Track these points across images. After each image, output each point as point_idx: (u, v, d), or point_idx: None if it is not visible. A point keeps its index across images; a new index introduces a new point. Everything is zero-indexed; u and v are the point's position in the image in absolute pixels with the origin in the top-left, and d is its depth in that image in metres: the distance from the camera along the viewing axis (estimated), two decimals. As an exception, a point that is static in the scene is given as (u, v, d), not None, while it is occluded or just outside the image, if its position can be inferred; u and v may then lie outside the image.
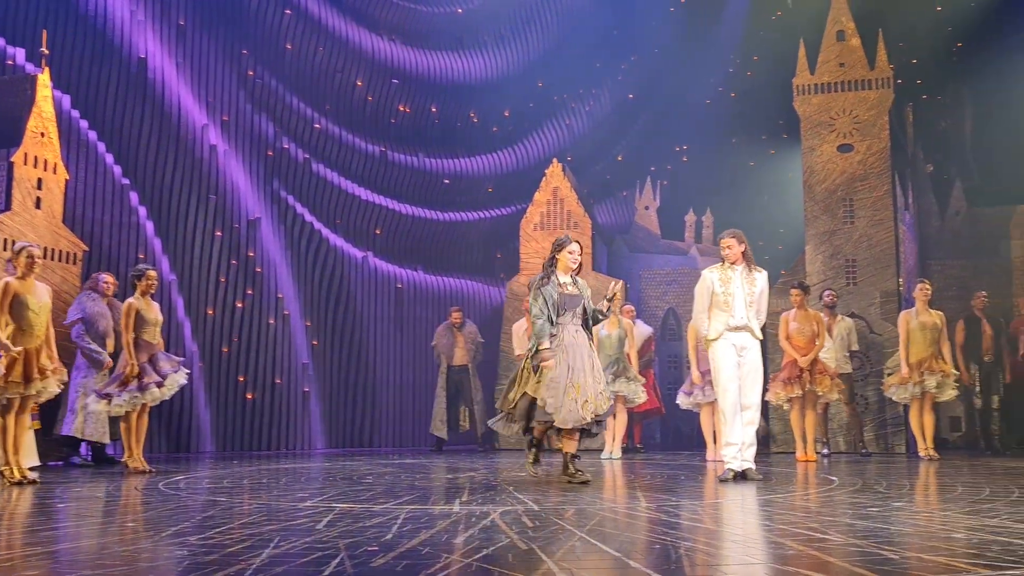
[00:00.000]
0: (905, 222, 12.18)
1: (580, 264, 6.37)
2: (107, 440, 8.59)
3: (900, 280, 11.39)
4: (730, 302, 6.51)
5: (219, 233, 11.66)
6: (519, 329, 11.28)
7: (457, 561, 3.01)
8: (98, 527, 4.27)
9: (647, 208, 15.78)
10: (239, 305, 11.75)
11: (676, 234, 15.58)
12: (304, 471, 7.76)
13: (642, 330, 10.79)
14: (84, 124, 10.65)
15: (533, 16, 15.59)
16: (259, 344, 11.87)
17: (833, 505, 4.77)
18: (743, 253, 6.61)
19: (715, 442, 9.04)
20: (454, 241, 14.52)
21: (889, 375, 9.62)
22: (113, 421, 8.16)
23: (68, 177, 9.78)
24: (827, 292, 10.32)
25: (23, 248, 6.45)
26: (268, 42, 12.70)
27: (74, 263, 9.53)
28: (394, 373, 13.33)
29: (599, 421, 6.17)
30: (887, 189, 11.45)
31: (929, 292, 9.29)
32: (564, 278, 6.30)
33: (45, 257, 8.96)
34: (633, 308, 10.43)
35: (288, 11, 12.76)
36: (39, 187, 9.28)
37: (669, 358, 13.77)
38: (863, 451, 10.04)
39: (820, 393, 9.07)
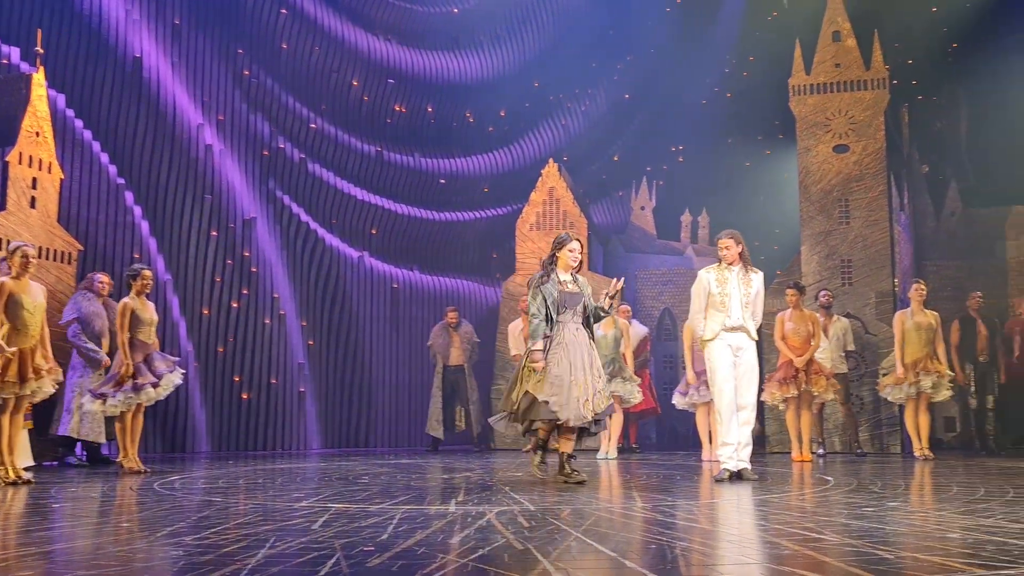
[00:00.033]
0: (900, 223, 12.20)
1: (581, 262, 6.36)
2: (103, 440, 8.57)
3: (895, 280, 11.41)
4: (726, 303, 6.52)
5: (215, 233, 11.65)
6: (515, 329, 11.28)
7: (453, 561, 3.01)
8: (93, 527, 4.26)
9: (643, 208, 15.79)
10: (235, 305, 11.73)
11: (672, 234, 15.60)
12: (300, 471, 7.75)
13: (638, 330, 10.79)
14: (79, 123, 10.62)
15: (529, 16, 15.59)
16: (255, 344, 11.86)
17: (829, 505, 4.78)
18: (740, 254, 6.61)
19: (711, 442, 9.05)
20: (450, 241, 14.52)
21: (884, 375, 9.63)
22: (108, 421, 8.14)
23: (63, 176, 9.76)
24: (823, 292, 10.33)
25: (18, 248, 6.43)
26: (264, 42, 12.69)
27: (69, 263, 9.51)
28: (390, 373, 13.32)
29: (598, 420, 6.14)
30: (883, 190, 11.47)
31: (924, 292, 9.31)
32: (564, 276, 6.28)
33: (40, 257, 8.94)
34: (629, 308, 10.43)
35: (284, 11, 12.75)
36: (34, 187, 9.25)
37: (665, 358, 13.77)
38: (858, 451, 10.05)
39: (816, 393, 9.09)
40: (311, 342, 12.55)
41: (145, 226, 11.07)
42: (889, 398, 9.43)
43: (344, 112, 13.50)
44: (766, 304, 7.08)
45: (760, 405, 8.57)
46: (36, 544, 3.54)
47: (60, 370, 6.71)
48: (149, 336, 7.50)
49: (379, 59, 13.79)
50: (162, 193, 11.35)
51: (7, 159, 9.00)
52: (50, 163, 9.48)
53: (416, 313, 13.63)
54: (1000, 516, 4.11)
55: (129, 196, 10.96)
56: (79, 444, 8.75)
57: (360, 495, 5.33)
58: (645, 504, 4.87)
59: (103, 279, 8.80)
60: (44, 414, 8.39)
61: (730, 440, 6.44)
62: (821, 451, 9.79)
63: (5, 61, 10.12)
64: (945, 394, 9.21)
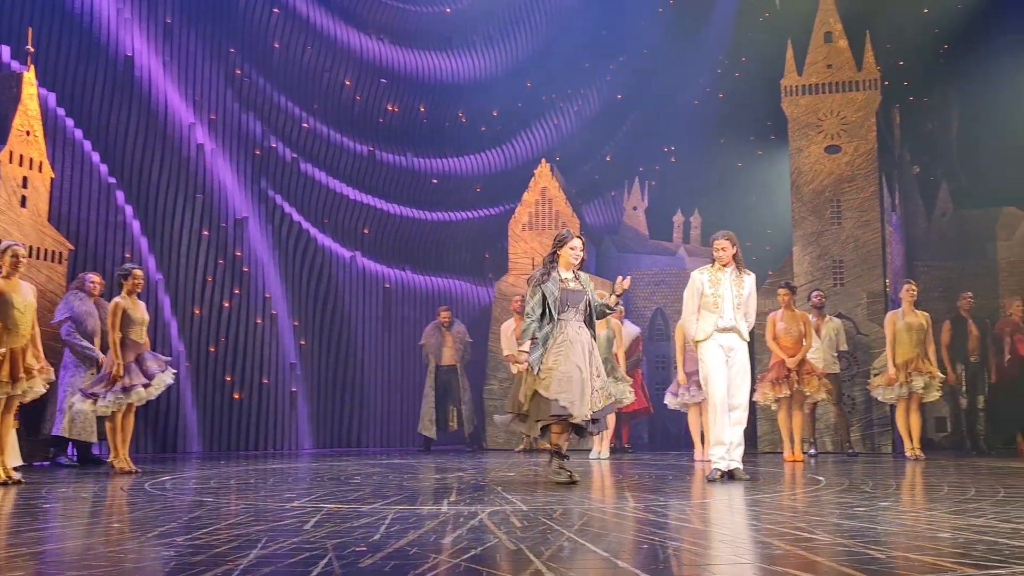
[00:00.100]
0: (892, 223, 12.23)
1: (582, 260, 6.27)
2: (94, 439, 8.54)
3: (887, 281, 11.44)
4: (719, 303, 6.54)
5: (206, 232, 11.61)
6: (507, 329, 11.28)
7: (445, 561, 3.01)
8: (84, 528, 4.25)
9: (635, 208, 15.81)
10: (226, 305, 11.70)
11: (664, 235, 15.62)
12: (292, 471, 7.74)
13: (630, 330, 10.80)
14: (70, 122, 10.58)
15: (522, 16, 15.59)
16: (246, 344, 11.82)
17: (820, 505, 4.79)
18: (734, 256, 6.63)
19: (703, 442, 9.06)
20: (442, 241, 14.51)
21: (876, 375, 9.66)
22: (99, 420, 8.11)
23: (54, 176, 9.72)
24: (815, 293, 10.36)
25: (8, 247, 6.41)
26: (256, 41, 12.66)
27: (60, 262, 9.48)
28: (382, 373, 13.30)
29: (596, 420, 6.03)
30: (874, 190, 11.51)
31: (915, 293, 9.34)
32: (566, 274, 6.20)
33: (30, 256, 8.90)
34: (623, 308, 10.44)
35: (276, 10, 12.72)
36: (24, 186, 9.21)
37: (657, 358, 13.79)
38: (850, 451, 10.08)
39: (808, 393, 9.11)
40: (303, 342, 12.53)
41: (136, 225, 11.03)
42: (880, 398, 9.46)
43: (336, 112, 13.47)
44: (758, 304, 7.10)
45: (752, 405, 8.58)
46: (26, 544, 3.53)
47: (52, 369, 6.68)
48: (141, 336, 7.48)
49: (372, 59, 13.77)
50: (153, 192, 11.31)
51: (-3, 158, 8.96)
52: (41, 162, 9.44)
53: (408, 313, 13.62)
54: (990, 516, 4.12)
55: (120, 195, 10.92)
56: (71, 444, 8.72)
57: (352, 495, 5.32)
58: (637, 504, 4.87)
59: (94, 279, 8.77)
60: (35, 414, 8.36)
61: (722, 440, 6.45)
62: (813, 451, 9.81)
63: (-5, 59, 10.08)
64: (935, 395, 9.24)
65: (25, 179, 9.23)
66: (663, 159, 16.43)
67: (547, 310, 6.06)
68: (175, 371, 7.72)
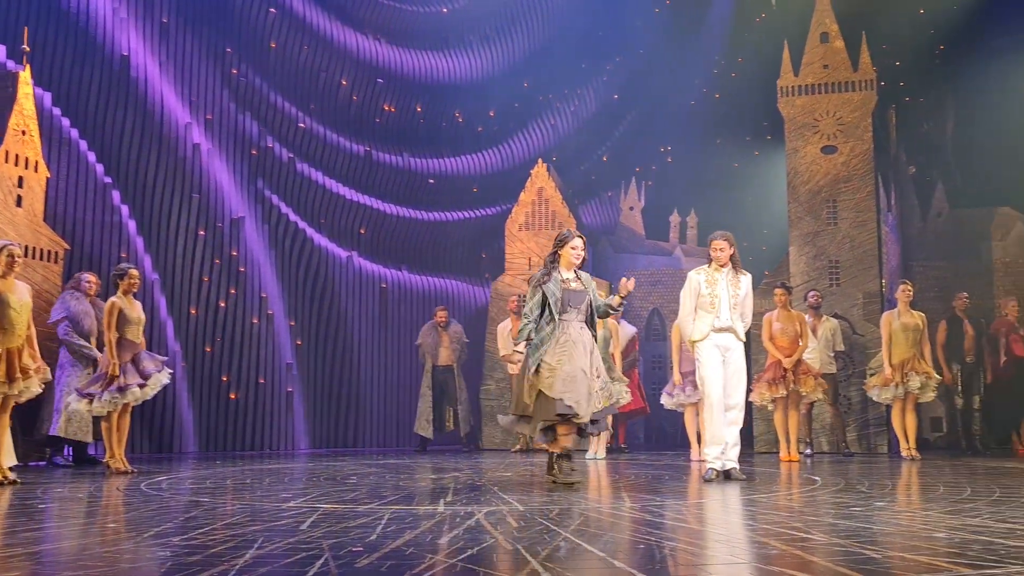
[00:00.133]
0: (888, 223, 12.25)
1: (584, 259, 6.21)
2: (89, 439, 8.53)
3: (883, 281, 11.46)
4: (716, 303, 6.54)
5: (202, 232, 11.60)
6: (504, 329, 11.28)
7: (442, 561, 3.01)
8: (79, 528, 4.24)
9: (632, 209, 15.82)
10: (222, 304, 11.69)
11: (661, 235, 15.64)
12: (288, 471, 7.73)
13: (626, 330, 10.81)
14: (66, 122, 10.56)
15: (518, 16, 15.59)
16: (242, 344, 11.82)
17: (816, 505, 4.80)
18: (731, 256, 6.64)
19: (699, 442, 9.06)
20: (439, 241, 14.51)
21: (872, 375, 9.67)
22: (95, 420, 8.10)
23: (49, 175, 9.70)
24: (812, 293, 10.37)
25: (3, 247, 6.40)
26: (252, 40, 12.64)
27: (55, 262, 9.46)
28: (378, 373, 13.30)
29: (595, 421, 5.97)
30: (870, 191, 11.52)
31: (911, 293, 9.35)
32: (567, 274, 6.13)
33: (26, 256, 8.89)
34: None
35: (273, 9, 12.71)
36: (20, 185, 9.20)
37: (653, 358, 13.80)
38: (846, 451, 10.09)
39: (804, 393, 9.12)
40: (299, 342, 12.52)
41: (132, 225, 11.02)
42: (876, 398, 9.47)
43: (333, 111, 13.46)
44: (755, 305, 7.11)
45: (748, 405, 8.59)
46: (22, 545, 3.52)
47: (48, 369, 6.68)
48: (137, 335, 7.47)
49: (368, 59, 13.76)
50: (149, 192, 11.29)
51: (-7, 157, 8.95)
52: (36, 162, 9.43)
53: (405, 313, 13.61)
54: (986, 516, 4.13)
55: (116, 195, 10.90)
56: (66, 444, 8.70)
57: (348, 495, 5.31)
58: (633, 504, 4.87)
59: (90, 279, 8.75)
60: (30, 414, 8.34)
61: (718, 440, 6.46)
62: (809, 451, 9.82)
63: (-9, 59, 10.06)
64: (930, 395, 9.26)
65: (21, 179, 9.22)
66: (660, 159, 16.44)
67: (548, 311, 5.99)
68: (171, 371, 7.72)
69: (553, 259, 6.19)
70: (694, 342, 6.63)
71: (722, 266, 6.63)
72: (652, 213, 15.76)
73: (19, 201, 9.15)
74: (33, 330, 6.55)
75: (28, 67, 9.55)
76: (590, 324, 6.14)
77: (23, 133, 9.29)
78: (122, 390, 7.22)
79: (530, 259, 12.90)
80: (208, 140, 11.91)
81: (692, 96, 15.87)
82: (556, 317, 5.96)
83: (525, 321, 6.05)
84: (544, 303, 6.02)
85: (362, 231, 13.53)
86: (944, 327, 10.44)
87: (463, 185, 14.82)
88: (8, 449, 7.11)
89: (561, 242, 6.18)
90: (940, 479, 6.48)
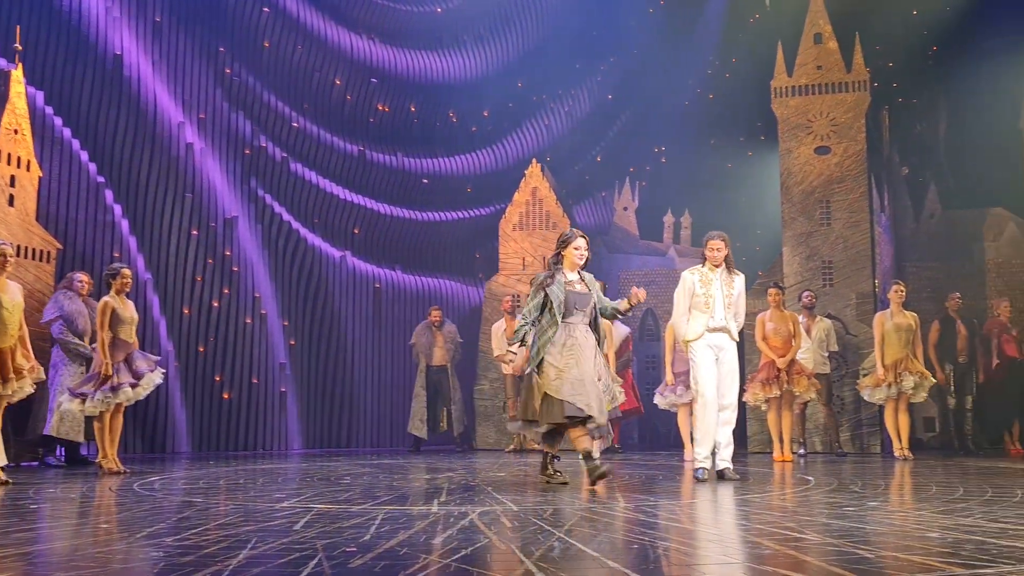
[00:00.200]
0: (881, 224, 12.28)
1: (587, 259, 6.12)
2: (81, 439, 8.50)
3: (876, 282, 11.48)
4: (710, 303, 6.56)
5: (195, 232, 11.58)
6: (498, 330, 11.28)
7: (435, 562, 3.00)
8: (72, 528, 4.22)
9: (626, 209, 15.83)
10: (215, 304, 11.67)
11: (654, 235, 15.65)
12: (281, 471, 7.72)
13: (620, 331, 10.81)
14: (58, 121, 10.53)
15: (512, 16, 15.59)
16: (236, 344, 11.79)
17: (809, 505, 4.80)
18: (726, 256, 6.65)
19: (692, 442, 9.07)
20: (433, 241, 14.50)
21: (865, 376, 9.70)
22: (88, 420, 8.08)
23: (42, 174, 9.67)
24: (806, 293, 10.39)
25: (-4, 246, 6.37)
26: (246, 40, 12.62)
27: (48, 261, 9.43)
28: (372, 373, 13.28)
29: (597, 424, 5.94)
30: (863, 191, 11.55)
31: (903, 294, 9.38)
32: (571, 275, 6.05)
33: (18, 255, 8.86)
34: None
35: (266, 9, 12.69)
36: (12, 184, 9.17)
37: (647, 359, 13.81)
38: (839, 451, 10.11)
39: (797, 393, 9.13)
40: (293, 342, 12.50)
41: (125, 225, 10.99)
42: (868, 399, 9.50)
43: (327, 111, 13.44)
44: (748, 305, 7.12)
45: (742, 405, 8.60)
46: (14, 545, 3.51)
47: (41, 369, 6.66)
48: (130, 335, 7.44)
49: (362, 58, 13.74)
50: (142, 191, 11.26)
51: (-15, 156, 8.91)
52: (28, 161, 9.40)
53: (399, 313, 13.60)
54: (979, 515, 4.14)
55: (109, 194, 10.88)
56: (59, 444, 8.68)
57: (342, 495, 5.31)
58: (627, 504, 4.87)
59: (83, 278, 8.73)
60: (22, 414, 8.31)
61: (711, 440, 6.46)
62: (802, 451, 9.84)
63: (-17, 57, 10.02)
64: (923, 395, 9.29)
65: (13, 178, 9.18)
66: (653, 160, 16.45)
67: (550, 314, 5.89)
68: (164, 371, 7.70)
69: (557, 260, 6.10)
70: (688, 342, 6.63)
71: (716, 266, 6.64)
72: (646, 213, 15.77)
73: (11, 200, 9.12)
74: (26, 330, 6.53)
75: (20, 66, 9.52)
76: (594, 326, 6.06)
77: (15, 132, 9.26)
78: (115, 390, 7.20)
79: (524, 259, 12.90)
80: (201, 139, 11.88)
81: (686, 96, 15.88)
82: (559, 320, 5.87)
83: (522, 322, 6.00)
84: (544, 306, 5.95)
85: (356, 231, 13.52)
86: (937, 327, 10.47)
87: (457, 185, 14.81)
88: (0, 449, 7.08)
89: (564, 243, 6.10)
90: (933, 479, 6.50)
